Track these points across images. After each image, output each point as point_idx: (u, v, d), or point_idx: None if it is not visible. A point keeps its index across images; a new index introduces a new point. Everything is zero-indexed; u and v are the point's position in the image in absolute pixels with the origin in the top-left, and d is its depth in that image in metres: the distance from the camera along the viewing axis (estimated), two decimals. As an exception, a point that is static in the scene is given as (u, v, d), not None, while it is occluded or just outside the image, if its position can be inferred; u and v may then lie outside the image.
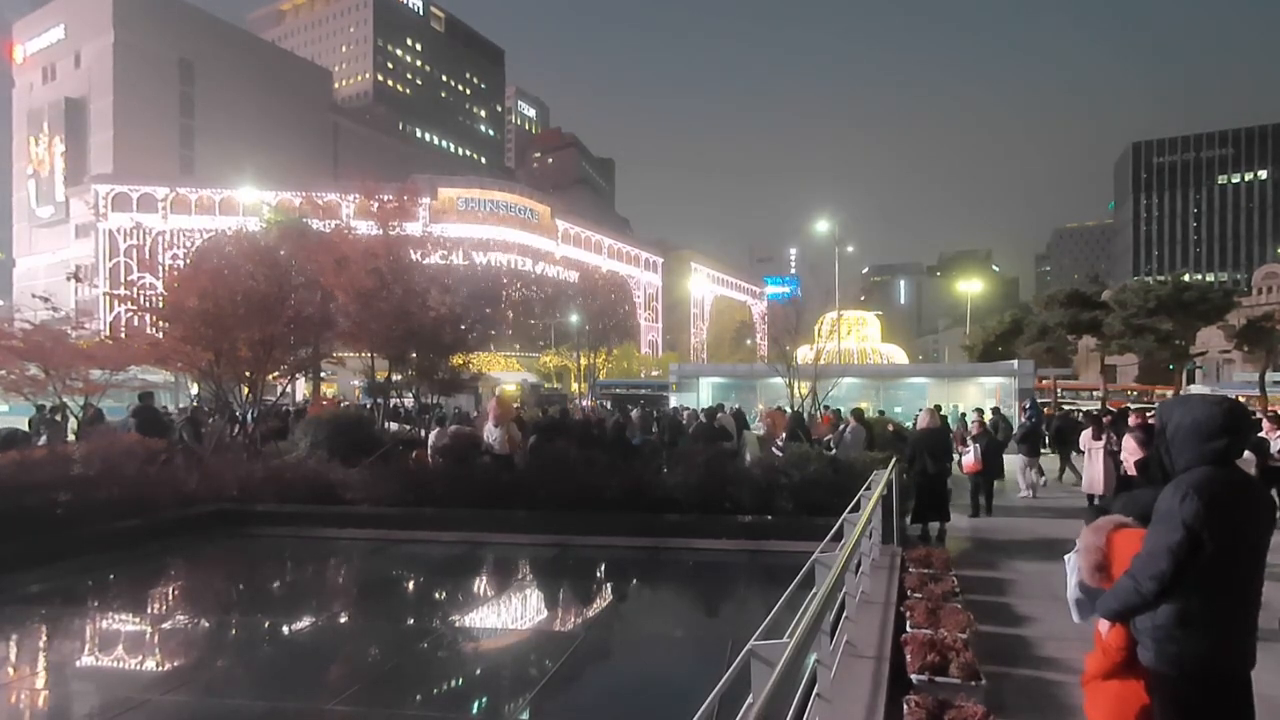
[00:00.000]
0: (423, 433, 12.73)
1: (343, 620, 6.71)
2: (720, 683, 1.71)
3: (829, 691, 2.79)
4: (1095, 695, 2.33)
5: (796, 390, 15.04)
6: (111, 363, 12.04)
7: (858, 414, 11.87)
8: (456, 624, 6.49)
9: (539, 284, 49.34)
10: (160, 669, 5.32)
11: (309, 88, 79.93)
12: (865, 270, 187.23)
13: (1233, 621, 2.06)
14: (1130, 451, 3.85)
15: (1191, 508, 1.99)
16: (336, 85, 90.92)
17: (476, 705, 4.79)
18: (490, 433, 10.35)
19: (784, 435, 11.75)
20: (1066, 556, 2.59)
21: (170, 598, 7.54)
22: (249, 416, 11.60)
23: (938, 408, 9.91)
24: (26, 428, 12.45)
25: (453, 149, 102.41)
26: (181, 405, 19.28)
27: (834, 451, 10.19)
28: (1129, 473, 4.59)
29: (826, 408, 15.37)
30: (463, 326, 15.20)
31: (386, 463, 10.03)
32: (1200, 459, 2.10)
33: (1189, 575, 2.01)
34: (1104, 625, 2.28)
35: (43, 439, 11.35)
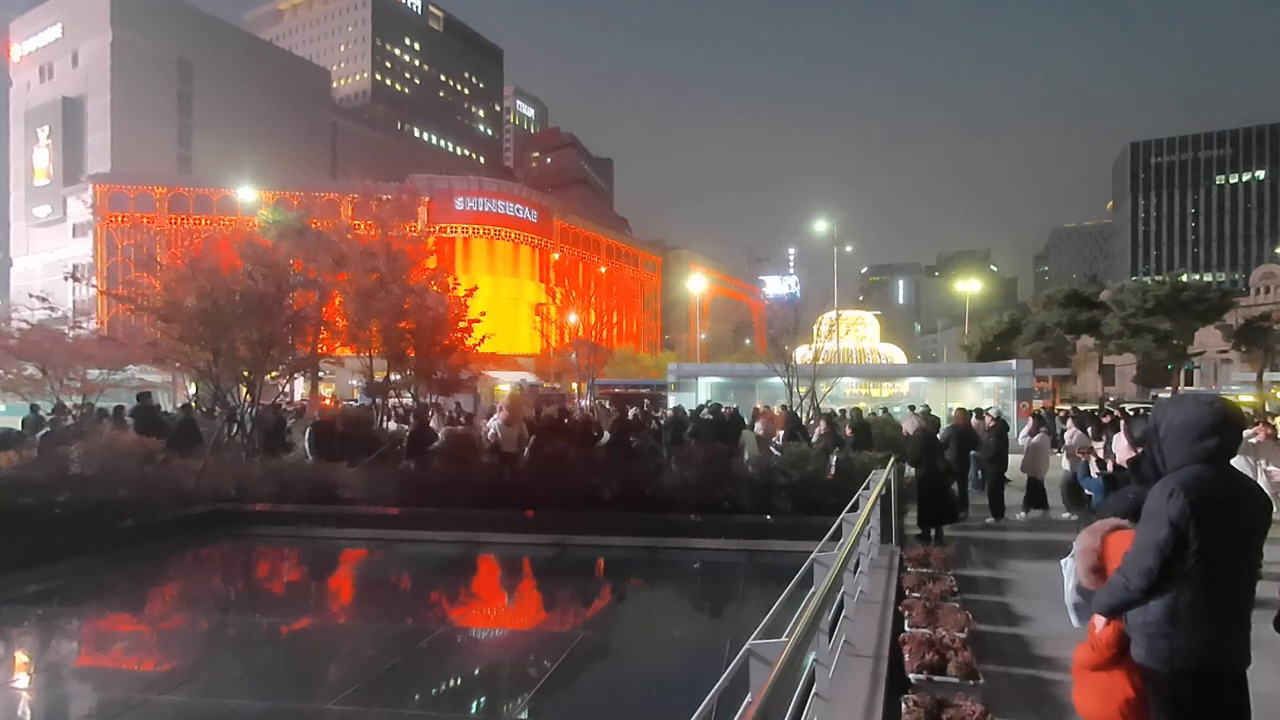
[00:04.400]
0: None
1: (341, 620, 6.71)
2: (719, 682, 1.72)
3: (827, 690, 2.80)
4: (1083, 683, 2.40)
5: (795, 390, 15.03)
6: (109, 362, 12.04)
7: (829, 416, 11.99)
8: (456, 624, 6.49)
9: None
10: (158, 669, 5.31)
11: (307, 87, 79.82)
12: (864, 270, 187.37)
13: (1223, 619, 2.07)
14: (1122, 450, 3.90)
15: (1177, 506, 2.01)
16: (335, 84, 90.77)
17: (476, 705, 4.79)
18: (502, 431, 10.37)
19: (782, 435, 11.77)
20: (1063, 561, 2.60)
21: (168, 598, 7.52)
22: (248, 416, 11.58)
23: (926, 408, 10.05)
24: (20, 427, 12.42)
25: (451, 149, 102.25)
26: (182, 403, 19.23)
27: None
28: (1110, 470, 4.64)
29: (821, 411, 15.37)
30: (462, 325, 15.22)
31: (385, 462, 10.03)
32: (1191, 458, 2.11)
33: (1177, 572, 2.03)
34: (1099, 621, 2.30)
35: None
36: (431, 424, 11.58)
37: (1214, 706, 2.06)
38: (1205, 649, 2.04)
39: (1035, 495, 9.93)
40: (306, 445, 10.42)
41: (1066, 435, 10.01)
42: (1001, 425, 10.41)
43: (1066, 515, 9.62)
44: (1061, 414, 20.14)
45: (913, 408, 16.38)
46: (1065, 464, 9.47)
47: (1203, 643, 2.04)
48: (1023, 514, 9.84)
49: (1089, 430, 12.22)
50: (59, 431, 10.74)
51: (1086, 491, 8.18)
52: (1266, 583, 3.21)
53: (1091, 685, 2.35)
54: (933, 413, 14.67)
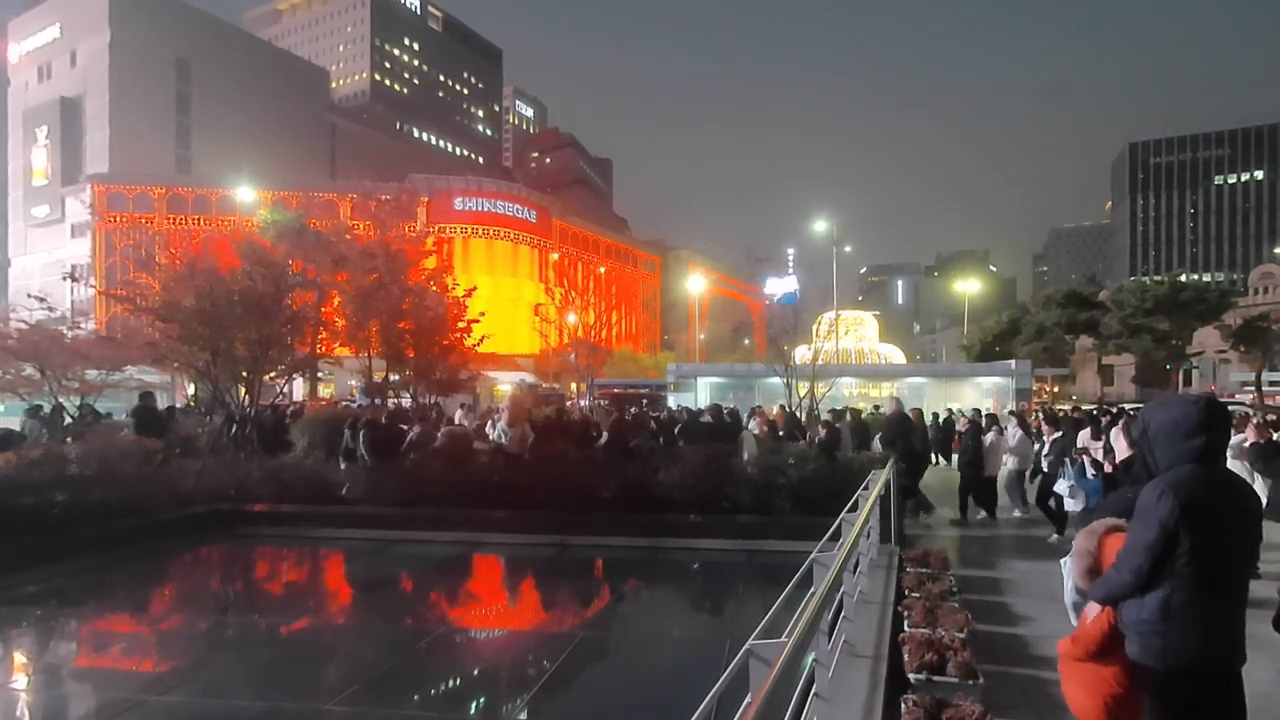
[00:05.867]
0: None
1: (340, 620, 6.71)
2: (719, 682, 1.71)
3: (827, 691, 2.80)
4: (1069, 674, 2.44)
5: (795, 390, 15.02)
6: (108, 363, 12.01)
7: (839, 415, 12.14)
8: (455, 624, 6.49)
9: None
10: (157, 669, 5.31)
11: (306, 87, 79.74)
12: (863, 270, 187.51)
13: (1216, 617, 2.08)
14: (1120, 450, 3.92)
15: (1166, 507, 2.04)
16: (334, 84, 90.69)
17: (475, 705, 4.79)
18: (504, 432, 10.37)
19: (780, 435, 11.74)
20: (1063, 560, 2.61)
21: (167, 598, 7.51)
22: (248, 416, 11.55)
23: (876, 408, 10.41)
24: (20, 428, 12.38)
25: (450, 149, 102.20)
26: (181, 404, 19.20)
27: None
28: (1109, 470, 4.67)
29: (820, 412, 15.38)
30: (461, 325, 15.20)
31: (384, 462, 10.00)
32: (1180, 457, 2.13)
33: (1167, 571, 2.06)
34: (1093, 610, 2.33)
35: (45, 437, 11.28)
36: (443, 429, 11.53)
37: (1207, 703, 2.07)
38: (1198, 647, 2.06)
39: (986, 495, 10.00)
40: (363, 448, 10.15)
41: (1008, 435, 10.04)
42: (977, 427, 10.47)
43: (1017, 513, 9.76)
44: (1062, 414, 20.36)
45: (877, 407, 16.75)
46: (1010, 463, 9.87)
47: (1196, 640, 2.06)
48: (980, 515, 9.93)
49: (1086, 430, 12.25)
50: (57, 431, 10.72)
51: (1068, 494, 8.34)
52: (1266, 582, 3.21)
53: (1079, 677, 2.37)
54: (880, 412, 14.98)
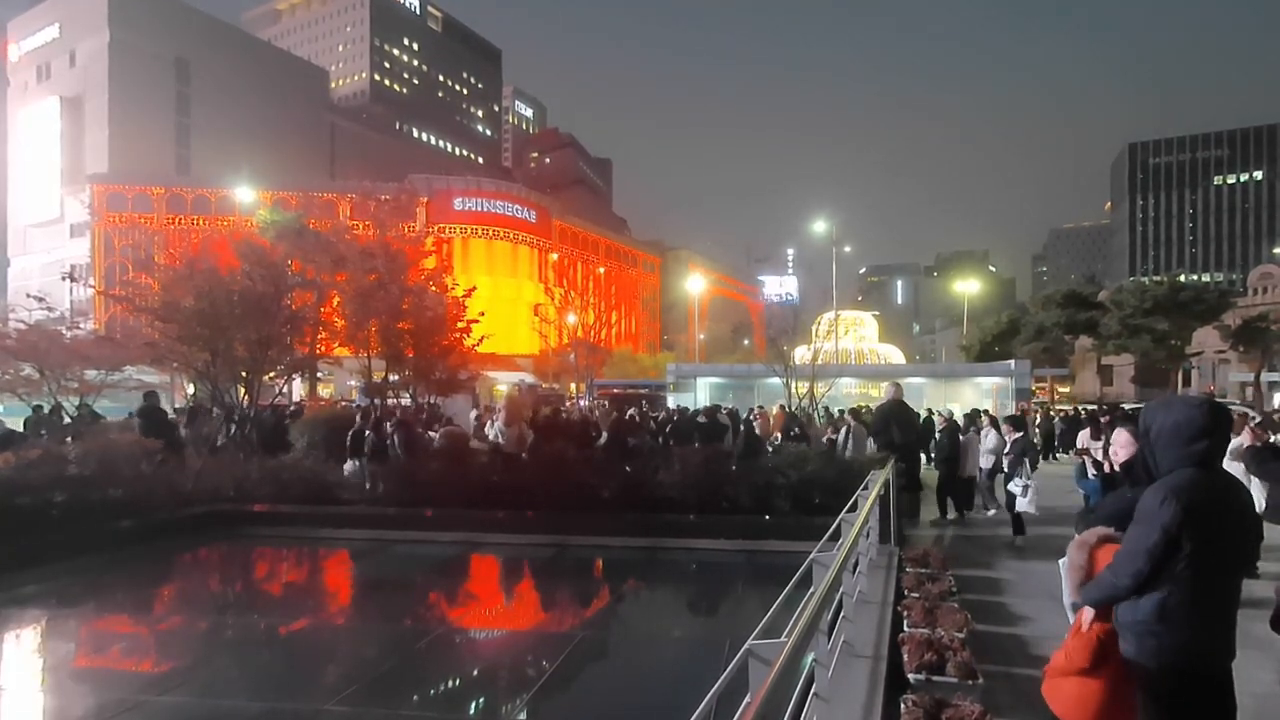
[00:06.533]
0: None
1: (340, 620, 6.70)
2: (718, 682, 1.71)
3: (826, 691, 2.79)
4: (1056, 688, 2.41)
5: (794, 390, 15.03)
6: (107, 363, 12.02)
7: (855, 413, 12.03)
8: (454, 624, 6.49)
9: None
10: (156, 670, 5.30)
11: (306, 87, 79.69)
12: (863, 270, 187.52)
13: (1211, 617, 2.11)
14: (1120, 450, 3.91)
15: (1169, 512, 2.05)
16: (333, 85, 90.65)
17: (474, 705, 4.79)
18: (501, 432, 10.37)
19: (779, 435, 11.77)
20: (1061, 561, 2.61)
21: (166, 598, 7.51)
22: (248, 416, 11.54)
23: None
24: (22, 428, 12.38)
25: (450, 149, 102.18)
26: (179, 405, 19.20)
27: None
28: (1109, 471, 4.66)
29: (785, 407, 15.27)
30: (460, 325, 15.20)
31: (383, 462, 10.00)
32: (1182, 461, 2.14)
33: (1166, 574, 2.08)
34: (1087, 615, 2.33)
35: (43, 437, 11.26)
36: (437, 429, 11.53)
37: (1200, 701, 2.11)
38: (1193, 647, 2.09)
39: (962, 494, 10.01)
40: (398, 448, 10.06)
41: (984, 434, 10.04)
42: (953, 425, 10.50)
43: (992, 512, 9.80)
44: (1062, 414, 20.38)
45: (865, 407, 16.74)
46: (984, 463, 9.90)
47: (1190, 641, 2.09)
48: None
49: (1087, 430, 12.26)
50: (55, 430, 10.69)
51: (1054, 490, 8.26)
52: (1265, 582, 3.22)
53: (1067, 689, 2.36)
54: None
